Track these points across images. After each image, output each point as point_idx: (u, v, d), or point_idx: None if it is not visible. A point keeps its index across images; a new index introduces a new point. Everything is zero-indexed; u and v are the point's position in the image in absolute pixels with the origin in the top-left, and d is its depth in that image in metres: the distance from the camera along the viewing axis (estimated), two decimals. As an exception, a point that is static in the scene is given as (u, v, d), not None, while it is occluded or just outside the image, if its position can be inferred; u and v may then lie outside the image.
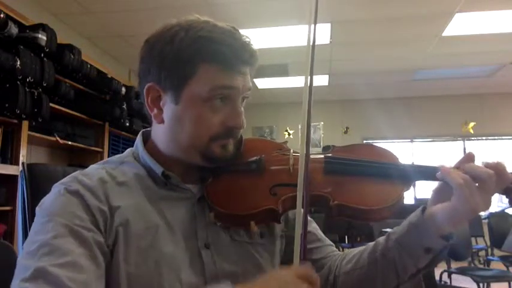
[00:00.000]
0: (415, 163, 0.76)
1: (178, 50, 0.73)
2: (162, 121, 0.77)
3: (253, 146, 0.84)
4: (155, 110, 0.77)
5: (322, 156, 0.80)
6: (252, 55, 0.76)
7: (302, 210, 0.65)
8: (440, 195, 0.71)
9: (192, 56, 0.72)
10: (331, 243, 0.91)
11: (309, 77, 0.72)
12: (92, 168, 0.77)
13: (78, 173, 0.74)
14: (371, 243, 0.81)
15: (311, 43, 0.73)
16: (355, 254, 0.83)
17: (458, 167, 0.70)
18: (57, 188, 0.70)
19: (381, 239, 0.79)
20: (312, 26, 0.74)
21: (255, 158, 0.80)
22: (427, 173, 0.73)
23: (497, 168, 0.67)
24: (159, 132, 0.80)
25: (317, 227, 0.91)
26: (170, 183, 0.76)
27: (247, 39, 0.76)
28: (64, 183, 0.71)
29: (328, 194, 0.73)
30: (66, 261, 0.60)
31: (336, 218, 0.73)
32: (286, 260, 0.85)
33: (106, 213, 0.68)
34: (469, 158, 0.71)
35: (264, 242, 0.80)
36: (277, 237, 0.84)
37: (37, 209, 0.69)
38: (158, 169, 0.76)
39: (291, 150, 0.83)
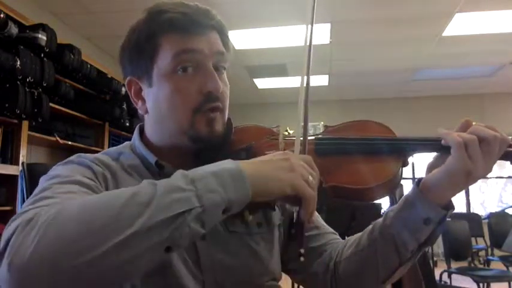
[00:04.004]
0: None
1: (138, 33, 0.75)
2: (146, 111, 0.78)
3: (244, 133, 0.83)
4: (139, 103, 0.79)
5: (313, 138, 0.78)
6: (208, 16, 0.75)
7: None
8: (435, 167, 0.69)
9: (148, 33, 0.74)
10: (333, 231, 0.90)
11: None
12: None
13: (79, 154, 0.76)
14: (370, 226, 0.80)
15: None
16: (355, 239, 0.82)
17: (462, 130, 0.68)
18: (61, 162, 0.72)
19: (379, 219, 0.78)
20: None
21: (244, 145, 0.79)
22: (422, 144, 0.72)
23: (497, 131, 0.66)
24: (148, 123, 0.81)
25: (317, 214, 0.89)
26: (164, 174, 0.75)
27: (203, 7, 0.76)
28: (68, 159, 0.73)
29: (321, 176, 0.71)
30: (71, 191, 0.60)
31: (333, 199, 0.71)
32: (285, 248, 0.84)
33: (108, 180, 0.70)
34: (467, 123, 0.69)
35: (262, 231, 0.80)
36: (275, 226, 0.83)
37: (41, 177, 0.68)
38: (152, 159, 0.76)
39: (281, 135, 0.80)
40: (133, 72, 0.77)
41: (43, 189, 0.61)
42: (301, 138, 0.69)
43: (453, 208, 0.70)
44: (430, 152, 0.72)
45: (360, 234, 0.82)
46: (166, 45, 0.73)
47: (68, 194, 0.59)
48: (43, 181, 0.66)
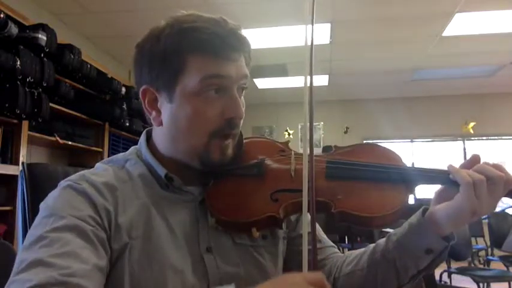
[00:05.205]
0: (417, 165, 0.75)
1: (165, 45, 0.71)
2: (161, 123, 0.76)
3: (255, 147, 0.82)
4: (153, 113, 0.76)
5: (324, 159, 0.77)
6: (240, 40, 0.73)
7: (308, 215, 0.62)
8: (442, 198, 0.70)
9: (177, 49, 0.71)
10: (333, 244, 0.90)
11: (309, 76, 0.70)
12: (100, 167, 0.76)
13: (86, 172, 0.73)
14: (371, 245, 0.80)
15: (309, 43, 0.71)
16: (355, 256, 0.82)
17: (467, 167, 0.69)
18: (63, 184, 0.70)
19: (381, 240, 0.78)
20: (312, 15, 0.69)
21: (255, 161, 0.78)
22: (431, 176, 0.72)
23: (503, 171, 0.67)
24: (159, 135, 0.79)
25: (319, 227, 0.90)
26: (172, 186, 0.75)
27: (234, 26, 0.73)
28: (71, 180, 0.70)
29: (330, 201, 0.71)
30: (66, 251, 0.59)
31: (338, 222, 0.72)
32: (289, 261, 0.84)
33: (111, 213, 0.68)
34: (474, 159, 0.70)
35: (267, 244, 0.80)
36: (280, 238, 0.83)
37: (41, 204, 0.68)
38: (161, 171, 0.75)
39: (293, 153, 0.80)
40: (151, 82, 0.74)
41: (39, 239, 0.60)
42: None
43: (454, 239, 0.71)
44: (438, 184, 0.73)
45: (360, 251, 0.83)
46: (195, 66, 0.71)
47: (63, 258, 0.58)
48: (40, 216, 0.65)
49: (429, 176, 0.73)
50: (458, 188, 0.66)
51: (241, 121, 0.76)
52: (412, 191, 0.73)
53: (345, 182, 0.74)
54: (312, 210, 0.56)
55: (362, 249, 0.82)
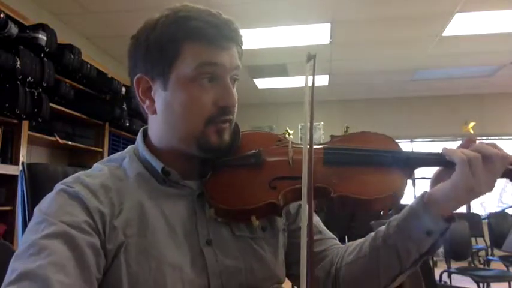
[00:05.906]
0: (415, 150, 0.75)
1: (161, 34, 0.73)
2: (155, 111, 0.76)
3: (252, 139, 0.83)
4: (147, 102, 0.77)
5: (321, 147, 0.79)
6: (233, 30, 0.75)
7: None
8: (439, 181, 0.71)
9: (173, 37, 0.72)
10: (334, 236, 0.90)
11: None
12: (96, 168, 0.76)
13: (81, 174, 0.73)
14: (372, 233, 0.81)
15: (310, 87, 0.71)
16: (356, 245, 0.82)
17: (464, 147, 0.70)
18: (57, 188, 0.70)
19: (382, 227, 0.78)
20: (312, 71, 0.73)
21: (253, 151, 0.79)
22: (428, 159, 0.73)
23: (498, 148, 0.68)
24: (154, 125, 0.79)
25: (318, 219, 0.91)
26: (169, 180, 0.75)
27: (228, 18, 0.75)
28: (65, 184, 0.70)
29: (329, 186, 0.72)
30: (52, 261, 0.59)
31: (338, 209, 0.72)
32: (289, 253, 0.85)
33: (105, 216, 0.67)
34: (470, 140, 0.71)
35: (266, 235, 0.80)
36: (280, 230, 0.83)
37: (35, 208, 0.68)
38: (158, 165, 0.75)
39: (290, 142, 0.81)
40: (146, 71, 0.75)
41: (30, 246, 0.61)
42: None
43: (454, 220, 0.71)
44: (435, 166, 0.74)
45: (361, 240, 0.83)
46: (190, 54, 0.72)
47: (49, 270, 0.58)
48: (33, 222, 0.66)
49: (425, 158, 0.74)
50: (455, 167, 0.67)
51: (235, 108, 0.77)
52: (410, 175, 0.73)
53: (342, 168, 0.75)
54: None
55: (362, 239, 0.82)
